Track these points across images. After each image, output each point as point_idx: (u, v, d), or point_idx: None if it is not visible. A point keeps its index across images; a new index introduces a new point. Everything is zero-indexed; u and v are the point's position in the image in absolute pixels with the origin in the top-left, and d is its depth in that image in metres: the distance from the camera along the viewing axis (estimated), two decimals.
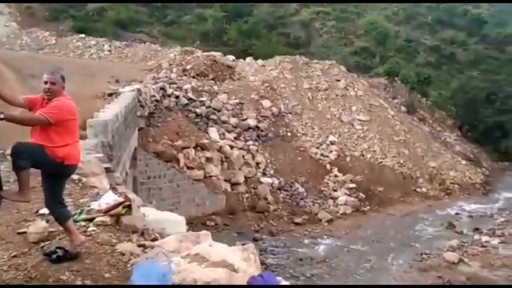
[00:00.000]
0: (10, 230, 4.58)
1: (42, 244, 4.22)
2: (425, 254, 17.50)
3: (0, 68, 20.52)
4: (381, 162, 26.07)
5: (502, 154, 34.60)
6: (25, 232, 4.44)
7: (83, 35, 33.67)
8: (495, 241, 18.34)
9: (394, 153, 26.97)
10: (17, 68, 22.13)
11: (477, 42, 49.71)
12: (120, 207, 5.02)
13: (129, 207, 5.11)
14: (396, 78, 36.94)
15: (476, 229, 20.36)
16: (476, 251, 17.37)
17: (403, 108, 33.57)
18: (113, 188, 6.63)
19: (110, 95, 17.44)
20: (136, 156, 16.89)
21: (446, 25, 50.68)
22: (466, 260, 16.34)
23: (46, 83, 4.11)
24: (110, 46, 32.90)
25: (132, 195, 6.18)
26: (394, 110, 32.02)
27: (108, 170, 7.87)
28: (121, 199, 5.15)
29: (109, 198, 5.16)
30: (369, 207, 22.92)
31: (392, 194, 24.55)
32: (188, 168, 19.78)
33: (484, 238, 18.81)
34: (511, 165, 34.32)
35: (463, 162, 30.38)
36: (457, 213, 23.16)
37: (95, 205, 5.20)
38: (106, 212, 5.00)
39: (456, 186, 27.32)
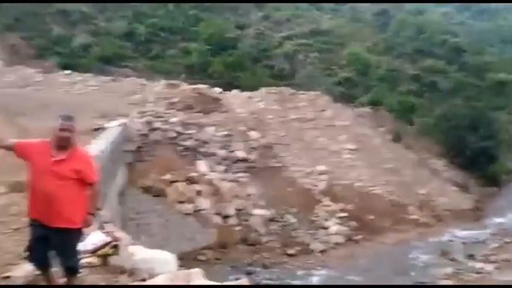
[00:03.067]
0: None
1: None
2: (421, 282, 17.25)
3: None
4: (371, 190, 25.98)
5: (490, 179, 34.75)
6: (9, 277, 4.21)
7: (68, 71, 33.59)
8: (490, 267, 18.19)
9: (383, 181, 26.95)
10: (3, 106, 21.84)
11: (457, 70, 50.82)
12: (107, 247, 4.84)
13: (116, 246, 4.91)
14: (380, 107, 37.35)
15: (470, 255, 20.17)
16: (472, 278, 17.18)
17: (389, 136, 33.79)
18: (100, 227, 6.41)
19: (96, 130, 17.21)
20: (124, 192, 16.59)
21: (425, 54, 51.86)
22: None
23: (63, 130, 3.79)
24: (96, 81, 32.83)
25: (120, 234, 5.96)
26: (381, 138, 32.24)
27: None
28: (108, 239, 4.96)
29: (96, 239, 4.96)
30: (361, 236, 22.66)
31: (383, 222, 24.37)
32: (178, 202, 19.47)
33: (479, 265, 18.64)
34: (499, 190, 34.48)
35: (452, 188, 30.45)
36: (449, 240, 23.01)
37: (81, 246, 4.97)
38: (93, 252, 4.79)
39: (447, 212, 27.27)
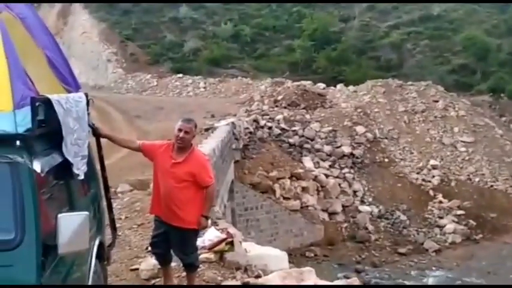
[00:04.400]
0: (123, 266, 4.79)
1: (153, 281, 4.37)
2: None
3: (108, 110, 22.38)
4: (492, 186, 23.97)
5: None
6: (137, 269, 4.63)
7: (180, 75, 35.86)
8: None
9: (506, 176, 24.67)
10: (123, 110, 24.02)
11: None
12: (223, 244, 5.08)
13: (232, 243, 5.15)
14: (502, 95, 34.21)
15: None
16: None
17: None
18: (214, 223, 6.76)
19: (207, 130, 18.14)
20: (233, 189, 17.26)
21: None
22: None
23: (180, 130, 3.96)
24: (204, 83, 34.63)
25: (233, 230, 6.24)
26: (503, 128, 29.50)
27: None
28: (223, 235, 5.22)
29: (212, 235, 5.25)
30: (481, 236, 21.08)
31: (507, 220, 22.36)
32: (284, 198, 19.77)
33: None
34: None
35: None
36: None
37: (198, 242, 5.30)
38: (210, 248, 5.08)
39: None
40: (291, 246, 18.34)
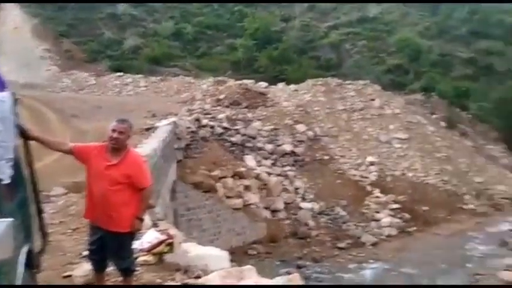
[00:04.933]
0: (55, 274, 4.62)
1: None
2: (479, 274, 16.65)
3: (42, 110, 21.35)
4: (424, 180, 25.28)
5: None
6: (70, 276, 4.47)
7: (120, 74, 34.88)
8: None
9: (436, 171, 26.12)
10: (59, 109, 23.01)
11: None
12: (163, 245, 5.02)
13: (171, 244, 5.09)
14: (433, 93, 36.20)
15: None
16: None
17: (443, 124, 32.66)
18: (154, 224, 6.67)
19: (148, 129, 17.79)
20: (176, 189, 17.05)
21: (481, 36, 49.47)
22: None
23: (114, 131, 3.86)
24: (145, 82, 33.92)
25: (173, 231, 6.17)
26: (434, 125, 31.21)
27: (149, 206, 7.95)
28: (163, 237, 5.15)
29: (151, 237, 5.17)
30: (414, 228, 22.13)
31: (438, 212, 23.67)
32: (227, 197, 19.78)
33: None
34: None
35: (511, 175, 29.05)
36: (510, 230, 22.01)
37: (137, 244, 5.21)
38: (149, 251, 5.00)
39: (506, 200, 26.04)
40: (233, 244, 18.41)
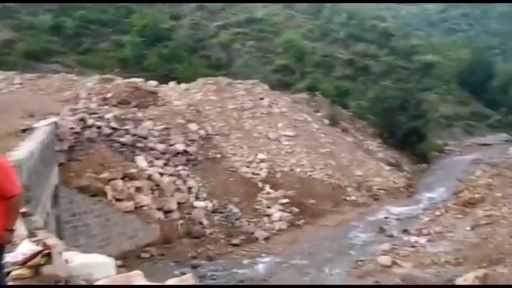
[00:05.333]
0: None
1: None
2: (361, 260, 17.99)
3: None
4: (310, 175, 26.61)
5: (420, 157, 36.88)
6: None
7: None
8: (423, 240, 19.29)
9: (321, 165, 27.68)
10: None
11: (387, 53, 53.05)
12: (39, 257, 4.61)
13: (49, 255, 4.71)
14: (317, 93, 38.27)
15: (405, 230, 21.32)
16: (407, 252, 18.14)
17: (326, 121, 34.73)
18: (32, 234, 6.12)
19: (24, 131, 16.33)
20: (58, 194, 15.90)
21: (358, 39, 53.62)
22: (398, 261, 17.01)
23: None
24: (21, 79, 30.98)
25: (52, 240, 5.71)
26: (318, 123, 33.04)
27: (25, 215, 7.27)
28: (39, 248, 4.73)
29: (25, 248, 4.72)
30: (303, 221, 23.20)
31: (323, 205, 25.08)
32: (117, 200, 18.94)
33: (413, 238, 19.72)
34: (429, 166, 36.64)
35: (386, 167, 31.89)
36: (386, 217, 24.14)
37: (10, 257, 4.74)
38: (23, 263, 4.57)
39: (382, 191, 28.54)
40: (125, 249, 17.74)
